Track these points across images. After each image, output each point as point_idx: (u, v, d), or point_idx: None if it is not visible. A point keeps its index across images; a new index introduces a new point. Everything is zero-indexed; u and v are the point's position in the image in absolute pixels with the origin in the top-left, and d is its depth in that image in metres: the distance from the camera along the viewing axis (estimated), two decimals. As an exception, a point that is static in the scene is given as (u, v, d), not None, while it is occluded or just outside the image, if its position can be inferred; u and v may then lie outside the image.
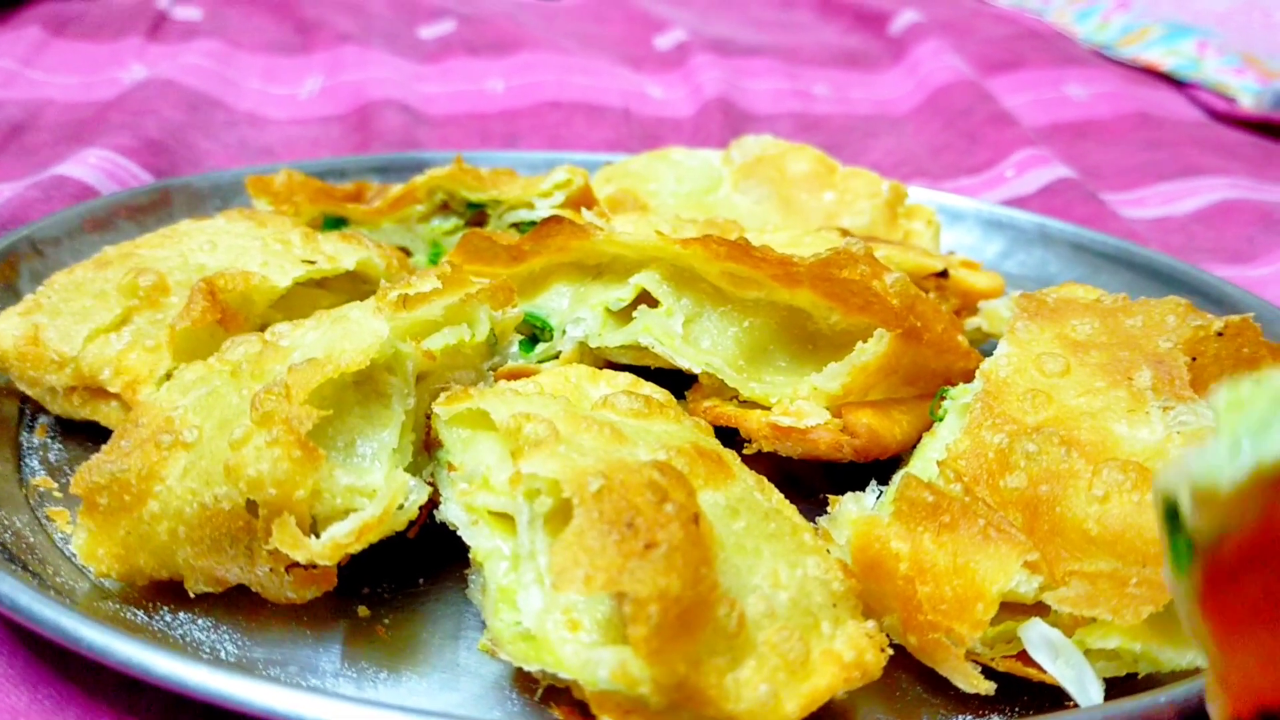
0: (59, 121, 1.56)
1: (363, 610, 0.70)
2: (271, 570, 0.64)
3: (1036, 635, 0.63)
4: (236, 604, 0.69)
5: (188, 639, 0.67)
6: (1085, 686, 0.61)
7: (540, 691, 0.63)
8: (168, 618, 0.68)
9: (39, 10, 1.97)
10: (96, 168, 1.31)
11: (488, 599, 0.63)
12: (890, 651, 0.61)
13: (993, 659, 0.64)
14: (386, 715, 0.56)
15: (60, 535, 0.74)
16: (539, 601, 0.60)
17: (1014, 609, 0.64)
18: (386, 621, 0.70)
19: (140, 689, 0.64)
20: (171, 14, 2.04)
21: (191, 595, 0.68)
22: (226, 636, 0.67)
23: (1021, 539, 0.62)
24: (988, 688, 0.63)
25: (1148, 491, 0.64)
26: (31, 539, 0.72)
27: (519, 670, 0.62)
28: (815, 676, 0.58)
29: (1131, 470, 0.65)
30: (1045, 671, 0.62)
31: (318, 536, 0.62)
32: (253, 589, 0.67)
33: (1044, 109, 1.87)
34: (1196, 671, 0.62)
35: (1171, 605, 0.61)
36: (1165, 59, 2.05)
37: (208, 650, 0.66)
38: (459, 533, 0.66)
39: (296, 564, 0.63)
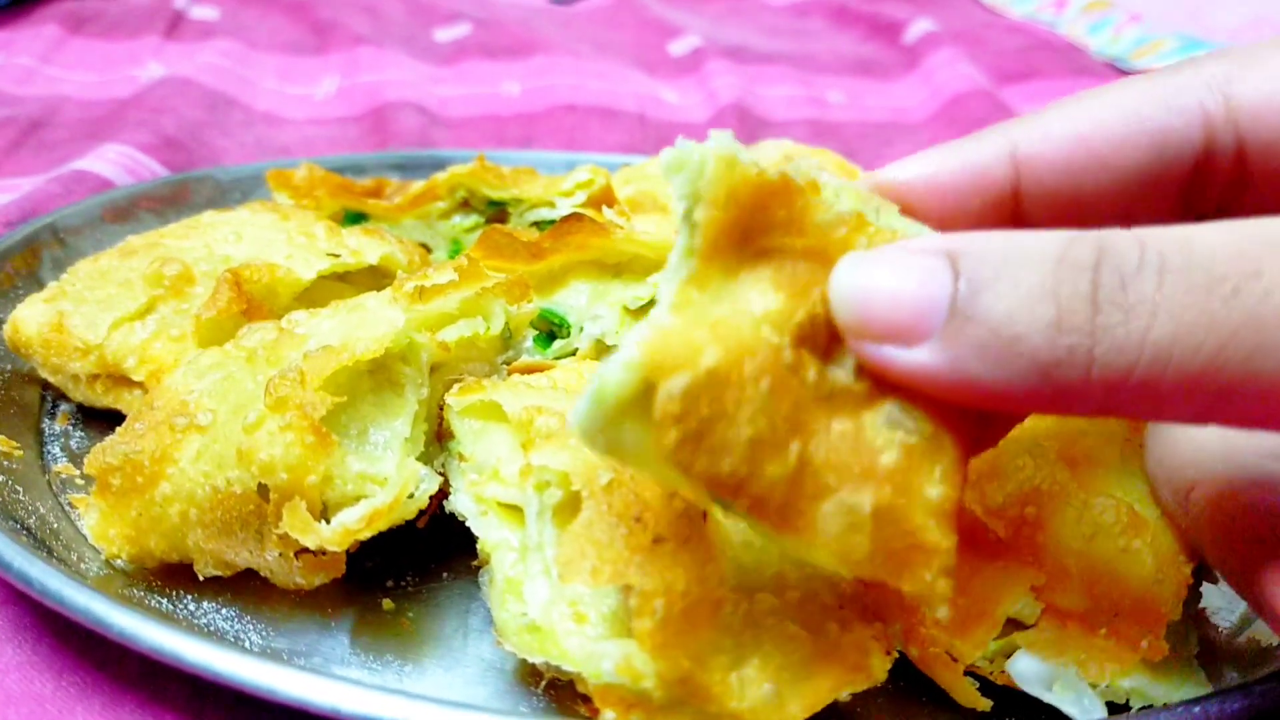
0: (77, 118, 1.57)
1: (387, 604, 0.71)
2: (281, 555, 0.64)
3: (1026, 668, 0.62)
4: (261, 595, 0.69)
5: (212, 628, 0.67)
6: (1085, 707, 0.60)
7: (543, 684, 0.63)
8: (191, 606, 0.68)
9: (56, 8, 1.98)
10: (115, 163, 1.32)
11: (494, 590, 0.64)
12: (895, 655, 0.61)
13: (991, 673, 0.64)
14: (419, 707, 0.56)
15: (84, 522, 0.74)
16: (545, 593, 0.60)
17: (1015, 622, 0.62)
18: (410, 615, 0.70)
19: (165, 677, 0.64)
20: (188, 13, 2.06)
21: (201, 578, 0.68)
22: (250, 627, 0.67)
23: (1030, 564, 0.61)
24: (984, 705, 0.62)
25: (1134, 538, 0.61)
26: (56, 525, 0.72)
27: (524, 662, 0.62)
28: (819, 678, 0.57)
29: (1124, 513, 0.62)
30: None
31: (328, 523, 0.63)
32: (262, 573, 0.67)
33: (1058, 120, 1.86)
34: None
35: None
36: (1180, 72, 2.04)
37: (232, 639, 0.66)
38: (468, 523, 0.66)
39: (306, 550, 0.64)
